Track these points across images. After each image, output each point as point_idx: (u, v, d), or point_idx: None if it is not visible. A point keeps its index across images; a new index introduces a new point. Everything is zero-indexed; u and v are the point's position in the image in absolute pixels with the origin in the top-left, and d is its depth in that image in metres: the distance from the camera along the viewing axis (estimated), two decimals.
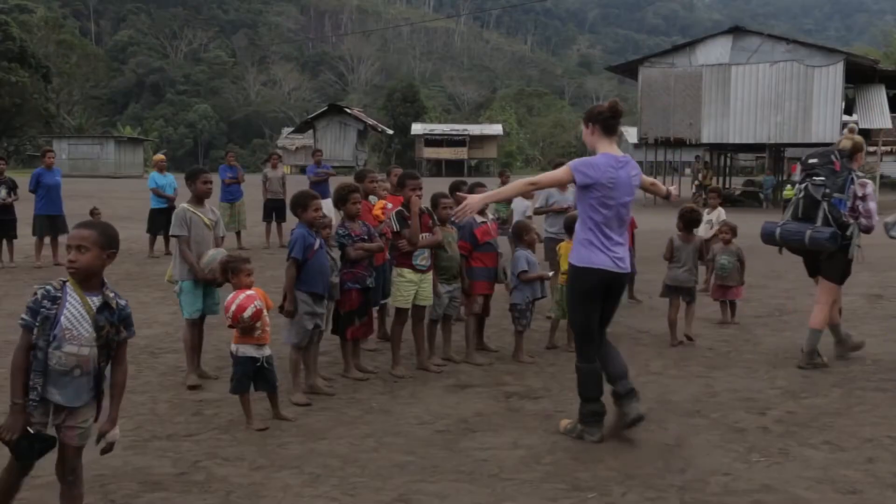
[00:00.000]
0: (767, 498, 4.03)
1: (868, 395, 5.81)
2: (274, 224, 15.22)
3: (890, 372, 6.43)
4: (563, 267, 6.97)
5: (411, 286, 6.25)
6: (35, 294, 3.24)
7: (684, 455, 4.60)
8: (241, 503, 3.97)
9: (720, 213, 10.19)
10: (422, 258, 6.26)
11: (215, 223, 6.19)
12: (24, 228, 12.73)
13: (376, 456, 4.58)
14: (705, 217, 10.24)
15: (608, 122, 4.80)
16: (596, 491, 4.10)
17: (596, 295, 4.79)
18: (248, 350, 5.10)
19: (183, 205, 6.14)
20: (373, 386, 6.01)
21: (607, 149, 4.79)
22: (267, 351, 5.18)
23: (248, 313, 4.99)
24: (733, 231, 8.46)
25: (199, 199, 6.19)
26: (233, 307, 5.00)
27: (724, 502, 3.99)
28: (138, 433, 4.90)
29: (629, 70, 32.15)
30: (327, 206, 13.51)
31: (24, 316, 3.23)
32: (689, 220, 7.62)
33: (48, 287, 3.24)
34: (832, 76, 27.31)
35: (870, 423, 5.16)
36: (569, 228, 7.22)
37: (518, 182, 5.13)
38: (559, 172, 4.86)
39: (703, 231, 10.03)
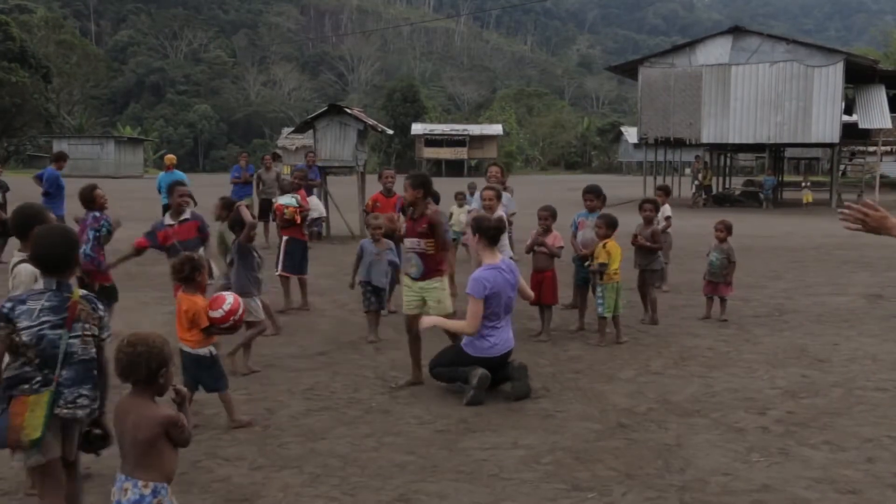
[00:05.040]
0: (767, 498, 4.03)
1: (868, 395, 5.80)
2: (272, 224, 15.34)
3: (890, 372, 6.42)
4: (614, 266, 7.33)
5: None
6: None
7: (684, 455, 4.60)
8: (241, 503, 3.98)
9: (665, 210, 10.61)
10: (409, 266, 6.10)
11: None
12: None
13: (376, 456, 4.58)
14: None
15: (494, 236, 5.76)
16: (596, 491, 4.10)
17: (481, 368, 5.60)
18: (214, 349, 5.17)
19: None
20: (373, 386, 6.01)
21: (490, 259, 5.73)
22: None
23: (247, 317, 5.21)
24: (728, 229, 8.52)
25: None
26: (240, 310, 4.99)
27: (724, 502, 3.99)
28: None
29: (629, 70, 32.11)
30: (313, 203, 13.91)
31: None
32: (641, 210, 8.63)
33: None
34: (832, 76, 27.28)
35: (870, 423, 5.16)
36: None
37: (460, 324, 5.78)
38: (475, 307, 5.57)
39: None
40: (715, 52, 28.66)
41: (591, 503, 3.98)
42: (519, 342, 7.38)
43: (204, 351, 5.01)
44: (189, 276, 5.00)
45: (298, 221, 8.76)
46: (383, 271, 7.52)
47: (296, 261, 8.75)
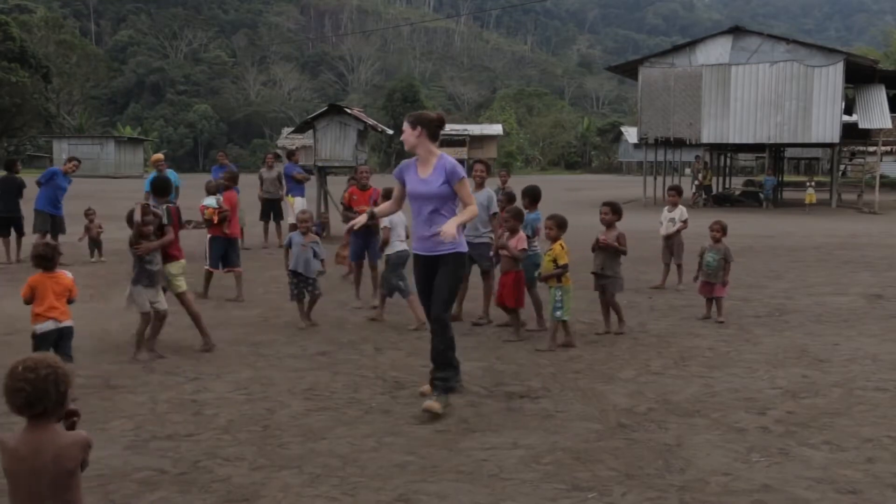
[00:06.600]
0: (767, 498, 4.03)
1: (868, 395, 5.80)
2: (272, 224, 15.28)
3: (890, 372, 6.42)
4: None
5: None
6: None
7: (684, 455, 4.60)
8: (241, 503, 3.97)
9: (682, 212, 10.68)
10: None
11: None
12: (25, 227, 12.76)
13: (376, 456, 4.58)
14: (667, 215, 10.81)
15: (435, 130, 5.50)
16: (596, 491, 4.10)
17: None
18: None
19: None
20: (373, 386, 6.01)
21: (436, 151, 5.51)
22: None
23: None
24: (724, 230, 8.52)
25: None
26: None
27: (724, 502, 3.99)
28: (138, 433, 4.90)
29: (629, 70, 32.14)
30: (301, 203, 14.26)
31: None
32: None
33: None
34: (832, 76, 27.30)
35: (870, 423, 5.16)
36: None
37: (470, 209, 5.48)
38: (467, 186, 5.49)
39: (665, 228, 10.74)
40: (715, 52, 28.67)
41: (591, 503, 3.98)
42: (518, 342, 7.41)
43: (71, 322, 5.72)
44: (55, 260, 5.72)
45: (216, 222, 9.53)
46: (310, 261, 8.13)
47: (215, 256, 9.62)
